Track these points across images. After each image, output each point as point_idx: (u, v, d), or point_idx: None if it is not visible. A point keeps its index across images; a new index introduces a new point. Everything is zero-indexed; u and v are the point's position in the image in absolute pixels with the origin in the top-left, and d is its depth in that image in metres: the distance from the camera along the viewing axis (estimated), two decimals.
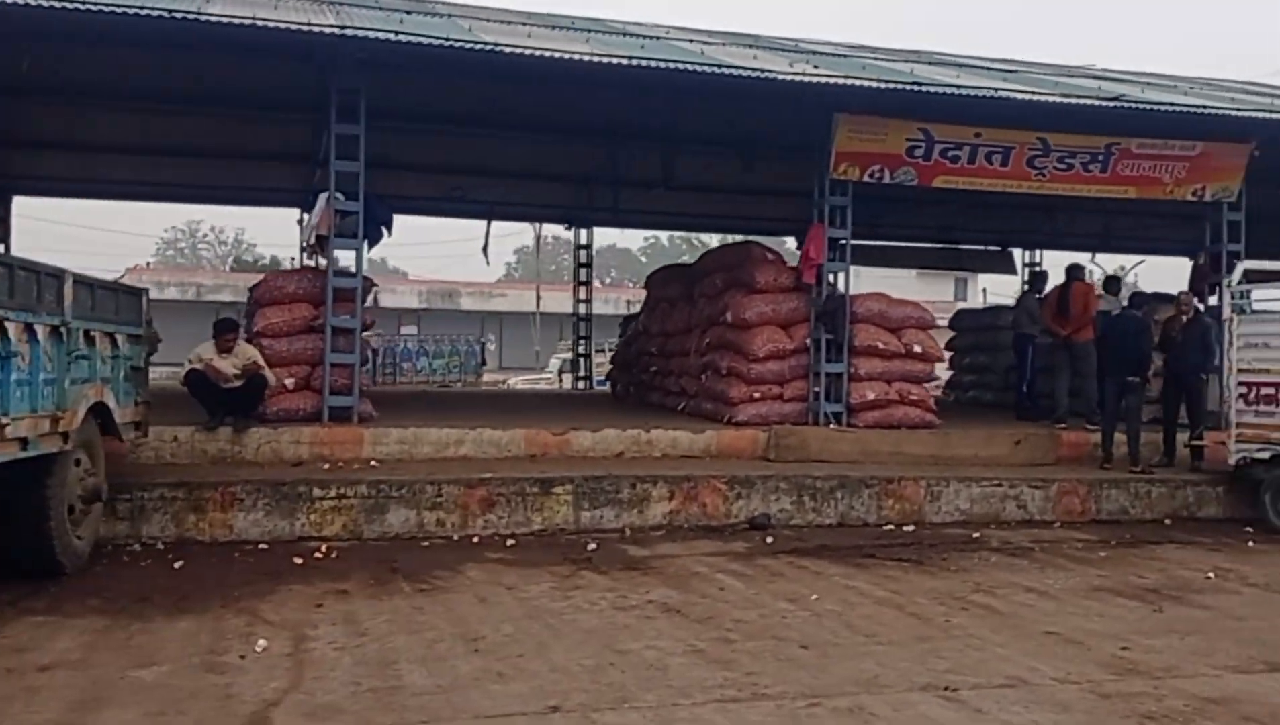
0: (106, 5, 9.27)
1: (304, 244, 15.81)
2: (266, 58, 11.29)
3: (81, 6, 9.15)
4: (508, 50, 10.44)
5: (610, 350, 23.03)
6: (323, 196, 11.65)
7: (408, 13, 12.30)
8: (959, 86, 11.76)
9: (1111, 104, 11.99)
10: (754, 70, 11.10)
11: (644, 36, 13.58)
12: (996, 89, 12.00)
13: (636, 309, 19.85)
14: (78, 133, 15.41)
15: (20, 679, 5.52)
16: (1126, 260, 33.44)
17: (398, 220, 13.95)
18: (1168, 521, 11.60)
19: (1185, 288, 13.84)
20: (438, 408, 14.99)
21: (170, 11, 9.65)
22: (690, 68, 10.82)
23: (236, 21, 9.76)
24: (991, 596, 7.90)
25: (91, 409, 7.79)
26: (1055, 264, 24.67)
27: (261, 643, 6.17)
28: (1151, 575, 8.82)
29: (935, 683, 5.77)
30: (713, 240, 33.11)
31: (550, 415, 13.05)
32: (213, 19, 9.72)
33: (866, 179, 12.29)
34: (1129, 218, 19.23)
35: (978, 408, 17.54)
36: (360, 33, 10.31)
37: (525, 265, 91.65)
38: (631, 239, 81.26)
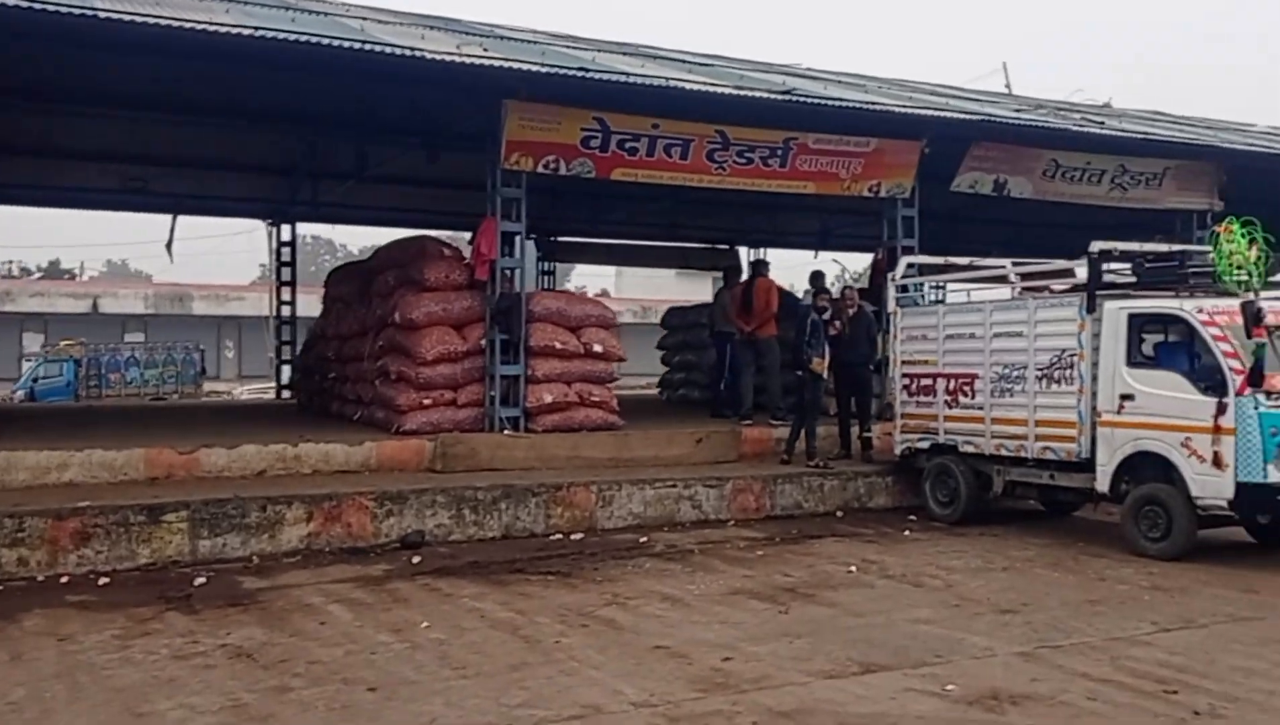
0: None
1: None
2: None
3: None
4: (103, 15, 9.13)
5: None
6: None
7: None
8: (628, 75, 11.37)
9: (782, 97, 11.91)
10: (401, 49, 10.26)
11: (307, 11, 12.51)
12: (669, 79, 11.68)
13: None
14: None
15: None
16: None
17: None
18: (840, 514, 11.63)
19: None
20: (84, 424, 13.36)
21: None
22: (324, 43, 9.85)
23: None
24: (622, 609, 7.43)
25: None
26: (782, 262, 25.41)
27: None
28: (797, 573, 8.63)
29: (498, 721, 5.16)
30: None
31: (197, 430, 11.79)
32: None
33: (541, 170, 11.72)
34: (846, 216, 19.70)
35: (686, 405, 17.43)
36: None
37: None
38: (376, 237, 78.48)
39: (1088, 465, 9.85)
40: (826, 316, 12.34)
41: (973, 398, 11.03)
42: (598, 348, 11.97)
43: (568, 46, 14.45)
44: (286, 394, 20.30)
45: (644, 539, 10.06)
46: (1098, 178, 15.07)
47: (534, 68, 11.00)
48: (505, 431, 11.50)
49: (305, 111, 13.72)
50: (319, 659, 6.18)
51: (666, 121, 12.13)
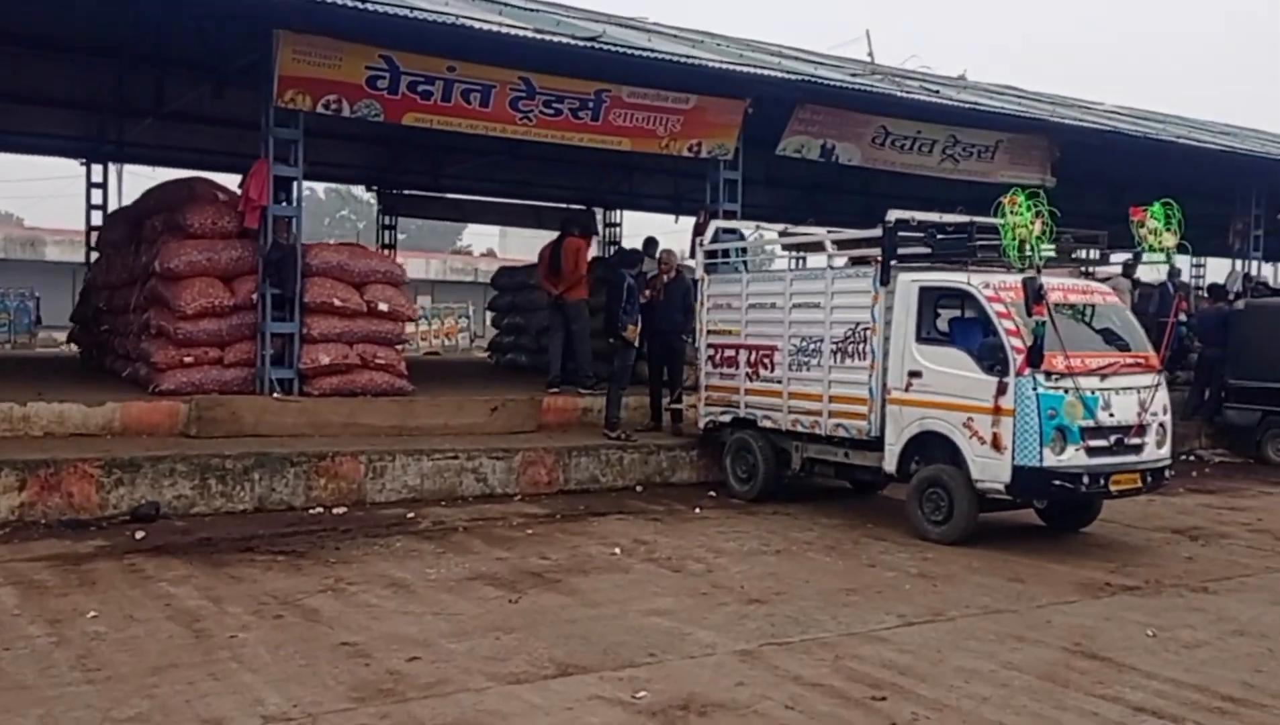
0: None
1: None
2: None
3: None
4: None
5: None
6: None
7: None
8: (412, 9, 10.44)
9: (585, 44, 11.14)
10: None
11: None
12: (459, 16, 10.78)
13: None
14: None
15: None
16: None
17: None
18: (639, 488, 11.08)
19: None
20: None
21: None
22: None
23: None
24: (336, 596, 6.69)
25: None
26: (637, 224, 24.69)
27: None
28: (558, 555, 8.00)
29: None
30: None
31: None
32: None
33: (321, 110, 10.73)
34: (695, 181, 19.17)
35: (514, 371, 16.71)
36: None
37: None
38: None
39: (878, 444, 9.46)
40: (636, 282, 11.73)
41: (772, 371, 10.55)
42: (383, 306, 11.11)
43: None
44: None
45: (412, 514, 9.33)
46: (929, 147, 14.76)
47: None
48: (275, 394, 10.58)
49: (105, 42, 12.52)
50: None
51: (464, 65, 11.26)
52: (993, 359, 8.47)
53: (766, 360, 10.60)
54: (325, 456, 9.61)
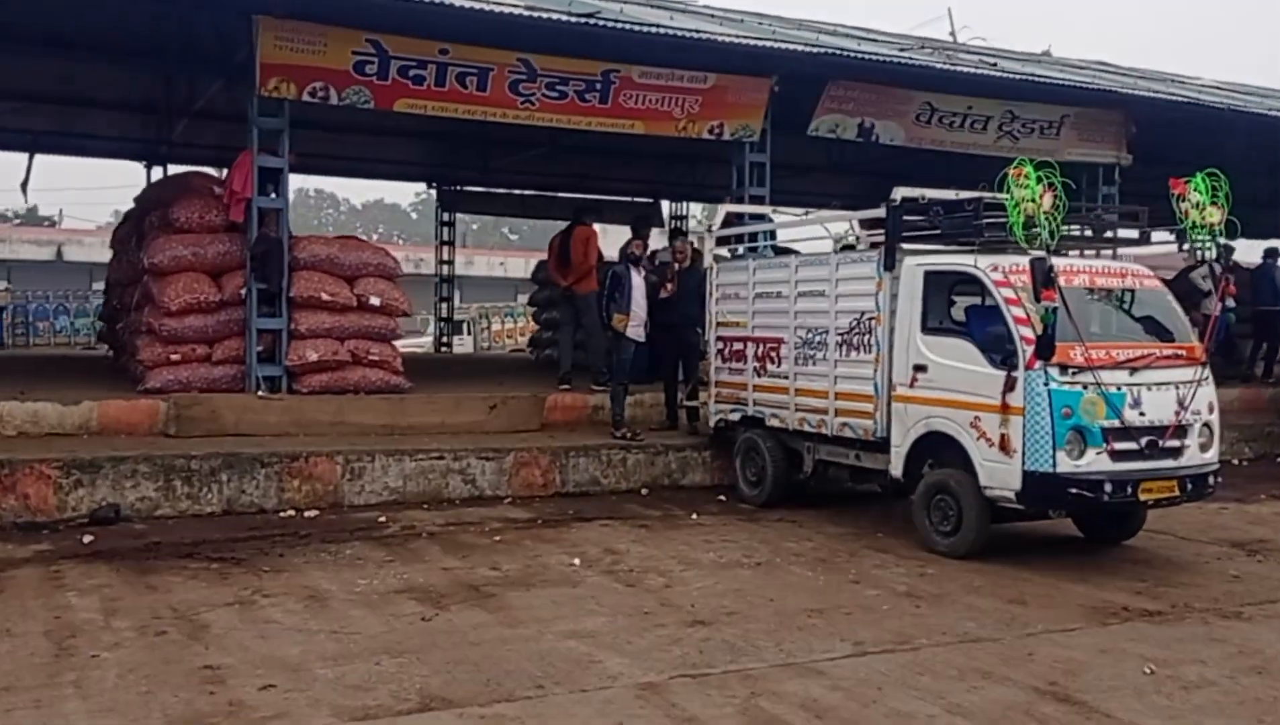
0: None
1: None
2: None
3: None
4: None
5: None
6: None
7: None
8: None
9: (579, 20, 10.41)
10: None
11: None
12: None
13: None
14: None
15: None
16: None
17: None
18: (644, 492, 10.37)
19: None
20: None
21: None
22: None
23: None
24: (243, 609, 6.18)
25: None
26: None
27: None
28: (512, 565, 7.35)
29: None
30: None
31: None
32: None
33: (308, 98, 10.31)
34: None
35: (552, 366, 16.12)
36: None
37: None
38: (402, 193, 77.48)
39: (886, 445, 8.56)
40: (641, 271, 11.00)
41: (779, 365, 9.71)
42: (375, 301, 10.63)
43: None
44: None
45: (384, 519, 8.80)
46: (982, 124, 13.66)
47: None
48: (259, 392, 10.19)
49: (142, 45, 12.31)
50: None
51: (458, 47, 10.71)
52: (999, 351, 7.50)
53: (773, 354, 9.77)
54: (298, 457, 9.16)
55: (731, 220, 11.12)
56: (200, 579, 6.87)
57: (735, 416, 10.28)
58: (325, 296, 10.39)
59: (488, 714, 4.63)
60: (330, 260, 10.59)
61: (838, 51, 11.94)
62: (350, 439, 9.91)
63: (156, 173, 18.51)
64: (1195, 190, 7.80)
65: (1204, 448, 7.71)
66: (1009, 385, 7.39)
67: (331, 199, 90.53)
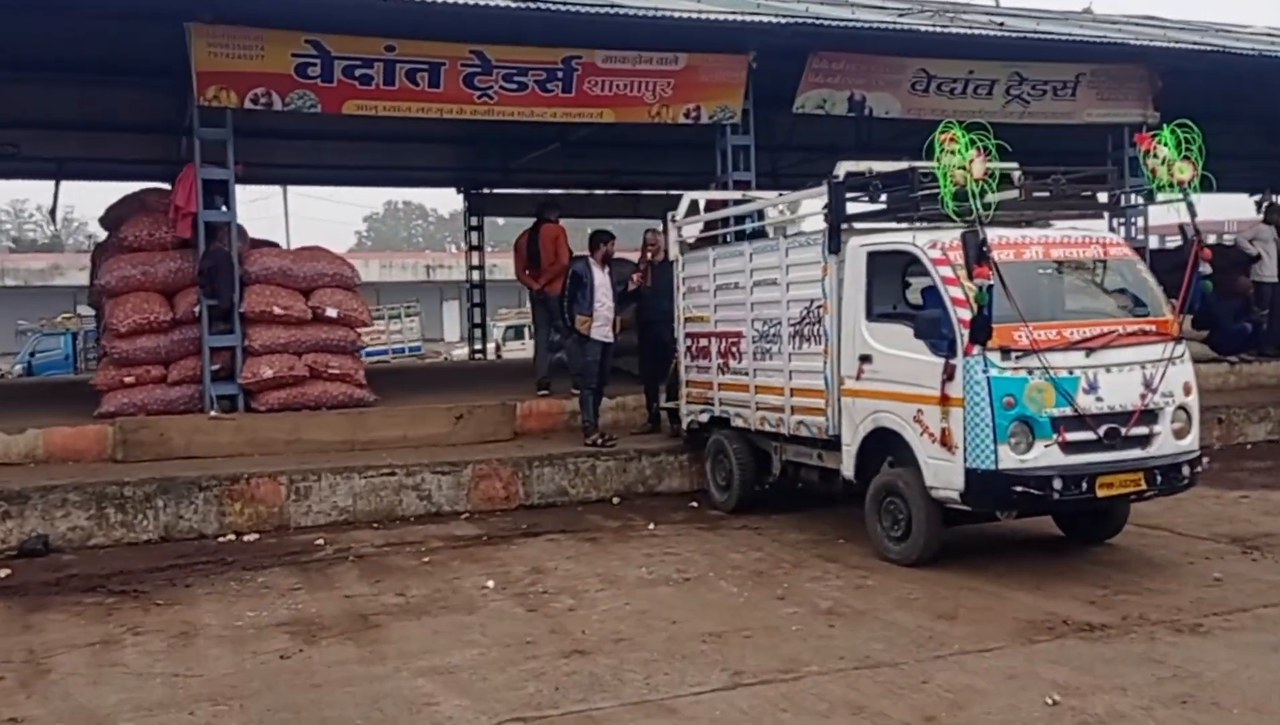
0: None
1: None
2: None
3: None
4: None
5: None
6: None
7: None
8: None
9: (521, 5, 9.87)
10: None
11: None
12: None
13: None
14: None
15: None
16: None
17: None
18: (616, 500, 9.84)
19: None
20: None
21: None
22: None
23: None
24: (96, 651, 5.86)
25: None
26: None
27: None
28: (419, 590, 6.90)
29: None
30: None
31: None
32: None
33: (250, 105, 10.02)
34: (794, 153, 17.76)
35: (564, 369, 15.66)
36: None
37: (377, 233, 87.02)
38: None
39: (839, 443, 7.89)
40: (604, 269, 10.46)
41: (740, 361, 9.09)
42: (332, 312, 10.29)
43: None
44: None
45: (321, 541, 8.45)
46: (987, 89, 12.74)
47: None
48: (211, 412, 9.95)
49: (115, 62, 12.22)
50: None
51: (404, 42, 10.31)
52: (934, 335, 6.78)
53: (735, 349, 9.15)
54: (239, 479, 8.86)
55: (703, 206, 10.49)
56: (84, 616, 6.57)
57: (705, 417, 9.69)
58: (278, 310, 10.09)
59: None
60: (283, 272, 10.29)
61: (813, 21, 11.19)
62: (307, 457, 9.60)
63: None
64: (1162, 145, 6.96)
65: (1179, 434, 6.87)
66: (948, 374, 6.67)
67: (420, 210, 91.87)
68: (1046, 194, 7.26)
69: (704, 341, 9.62)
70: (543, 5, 10.03)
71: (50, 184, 19.15)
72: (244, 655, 5.71)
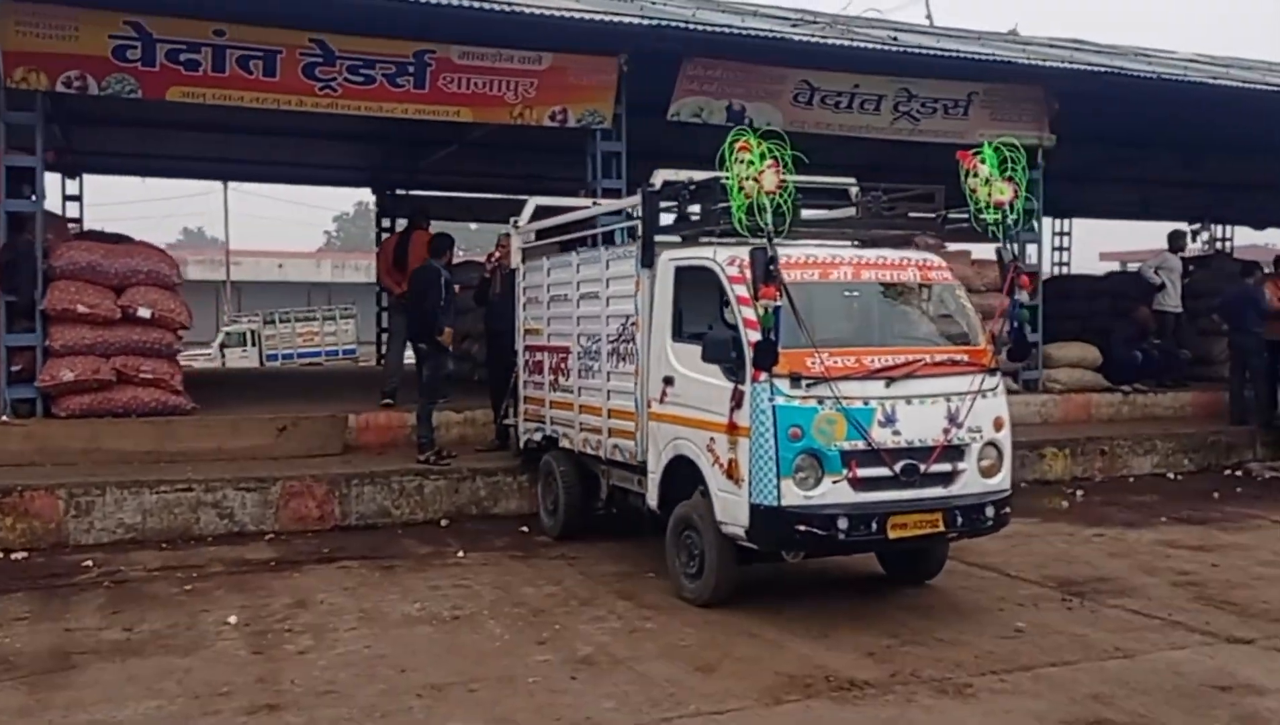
0: None
1: None
2: None
3: None
4: None
5: None
6: None
7: None
8: None
9: None
10: None
11: None
12: None
13: None
14: None
15: None
16: None
17: None
18: (445, 522, 9.22)
19: None
20: None
21: None
22: None
23: None
24: None
25: None
26: None
27: None
28: (151, 626, 6.20)
29: None
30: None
31: None
32: None
33: (63, 89, 9.35)
34: (679, 163, 17.09)
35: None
36: None
37: (346, 234, 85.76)
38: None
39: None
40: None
41: (568, 377, 8.50)
42: (145, 312, 9.58)
43: None
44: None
45: (90, 562, 7.74)
46: (874, 105, 12.28)
47: None
48: (3, 418, 9.23)
49: None
50: None
51: (236, 27, 9.68)
52: (723, 358, 6.21)
53: (564, 365, 8.56)
54: (10, 492, 8.14)
55: (543, 214, 9.88)
56: None
57: (539, 436, 9.09)
58: (83, 308, 9.38)
59: None
60: (92, 267, 9.58)
61: (680, 24, 10.65)
62: (102, 469, 8.89)
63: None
64: (983, 162, 6.45)
65: (988, 472, 6.33)
66: (736, 400, 6.12)
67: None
68: (853, 212, 6.72)
69: (539, 356, 9.03)
70: None
71: None
72: None
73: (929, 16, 19.87)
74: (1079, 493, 10.82)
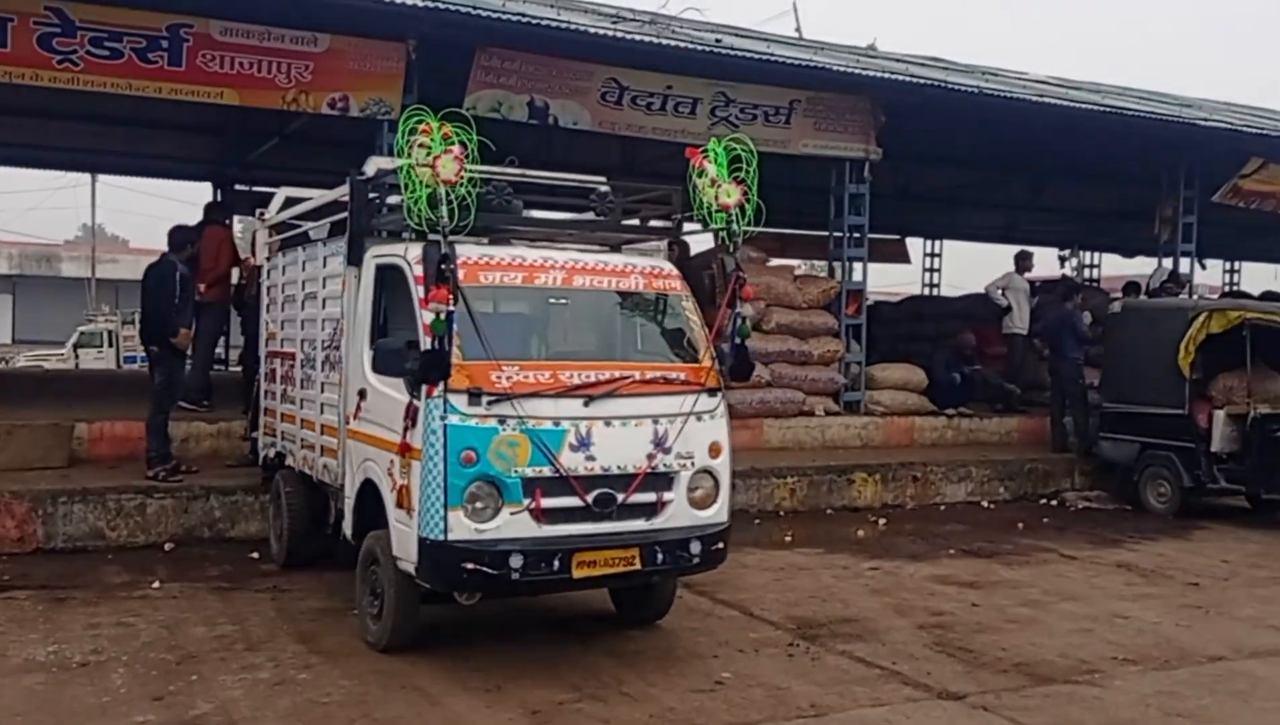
0: None
1: None
2: None
3: None
4: None
5: None
6: None
7: None
8: None
9: None
10: None
11: None
12: None
13: None
14: None
15: None
16: None
17: None
18: (169, 546, 8.25)
19: None
20: None
21: None
22: None
23: None
24: None
25: None
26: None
27: None
28: None
29: None
30: None
31: None
32: None
33: None
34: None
35: None
36: None
37: None
38: None
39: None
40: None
41: (293, 387, 7.64)
42: None
43: None
44: None
45: None
46: (689, 108, 11.66)
47: None
48: None
49: None
50: None
51: None
52: (395, 370, 5.45)
53: (290, 373, 7.70)
54: None
55: (293, 206, 9.01)
56: None
57: (273, 452, 8.20)
58: None
59: None
60: None
61: (465, 10, 9.87)
62: None
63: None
64: (712, 162, 5.82)
65: (700, 503, 5.66)
66: (410, 418, 5.35)
67: None
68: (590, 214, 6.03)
69: (274, 362, 8.16)
70: None
71: None
72: None
73: (798, 30, 19.46)
74: (883, 522, 10.31)
